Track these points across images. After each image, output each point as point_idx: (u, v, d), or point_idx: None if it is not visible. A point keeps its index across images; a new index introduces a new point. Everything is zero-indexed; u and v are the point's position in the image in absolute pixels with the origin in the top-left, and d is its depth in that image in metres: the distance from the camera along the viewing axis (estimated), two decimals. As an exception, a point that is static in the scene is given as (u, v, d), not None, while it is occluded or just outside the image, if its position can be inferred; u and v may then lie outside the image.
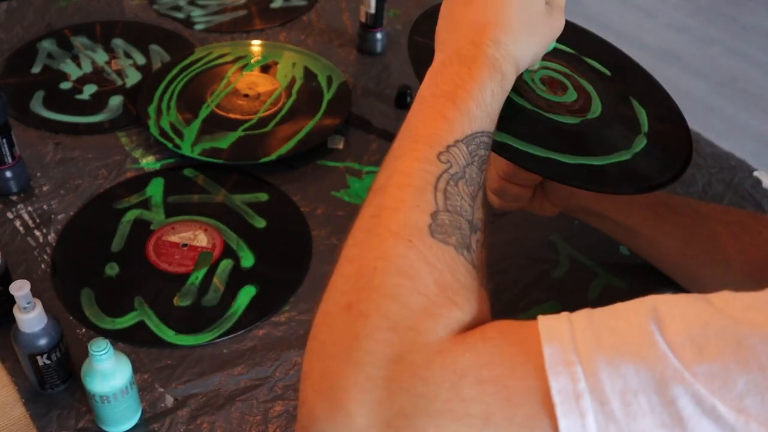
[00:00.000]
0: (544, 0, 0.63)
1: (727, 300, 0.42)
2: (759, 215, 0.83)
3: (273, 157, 1.00)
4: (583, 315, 0.45)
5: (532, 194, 0.84)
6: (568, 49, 0.80)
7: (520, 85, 0.70)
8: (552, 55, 0.75)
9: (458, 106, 0.55)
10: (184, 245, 0.89)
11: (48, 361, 0.72)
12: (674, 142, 0.75)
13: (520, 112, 0.68)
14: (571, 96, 0.73)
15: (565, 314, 0.45)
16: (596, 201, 0.83)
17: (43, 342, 0.71)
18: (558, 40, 0.73)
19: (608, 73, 0.80)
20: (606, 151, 0.70)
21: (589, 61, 0.80)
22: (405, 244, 0.48)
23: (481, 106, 0.55)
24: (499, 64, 0.58)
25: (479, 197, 0.53)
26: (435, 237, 0.48)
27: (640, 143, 0.72)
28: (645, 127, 0.74)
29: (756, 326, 0.40)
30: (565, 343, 0.42)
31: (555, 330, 0.43)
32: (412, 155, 0.52)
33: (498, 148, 0.65)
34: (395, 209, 0.50)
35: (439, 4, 0.66)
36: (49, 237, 0.90)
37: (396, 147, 0.54)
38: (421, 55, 0.68)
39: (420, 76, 0.61)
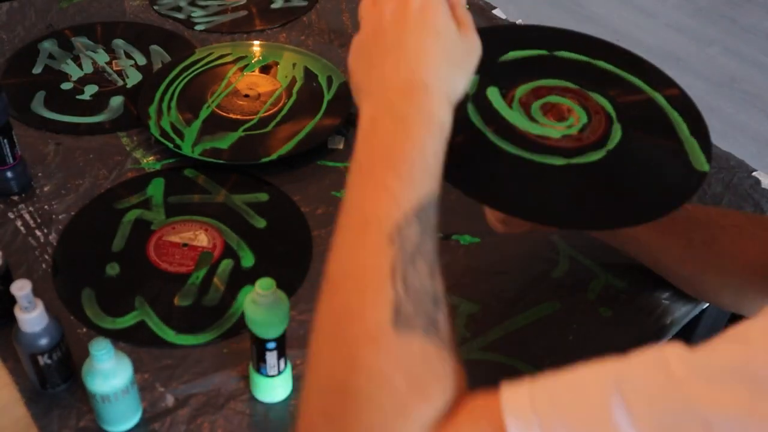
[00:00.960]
0: (454, 24, 0.60)
1: (689, 365, 0.42)
2: (756, 217, 0.83)
3: (273, 157, 1.01)
4: (545, 389, 0.45)
5: None
6: (574, 56, 0.76)
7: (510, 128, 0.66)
8: (553, 70, 0.72)
9: (400, 173, 0.52)
10: (185, 245, 0.89)
11: (49, 361, 0.72)
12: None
13: (534, 169, 0.64)
14: (581, 119, 0.68)
15: (527, 387, 0.46)
16: None
17: (44, 342, 0.71)
18: (564, 48, 0.71)
19: (623, 73, 0.75)
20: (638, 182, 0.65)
21: (599, 63, 0.75)
22: (371, 348, 0.48)
23: (425, 169, 0.53)
24: (435, 116, 0.55)
25: (437, 266, 0.51)
26: (400, 330, 0.48)
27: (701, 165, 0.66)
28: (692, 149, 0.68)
29: (721, 407, 0.40)
30: (529, 420, 0.43)
31: (517, 409, 0.44)
32: (363, 245, 0.51)
33: (522, 212, 0.63)
34: (356, 313, 0.49)
35: None
36: (50, 237, 0.90)
37: (345, 227, 0.53)
38: None
39: None
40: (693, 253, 0.81)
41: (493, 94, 0.70)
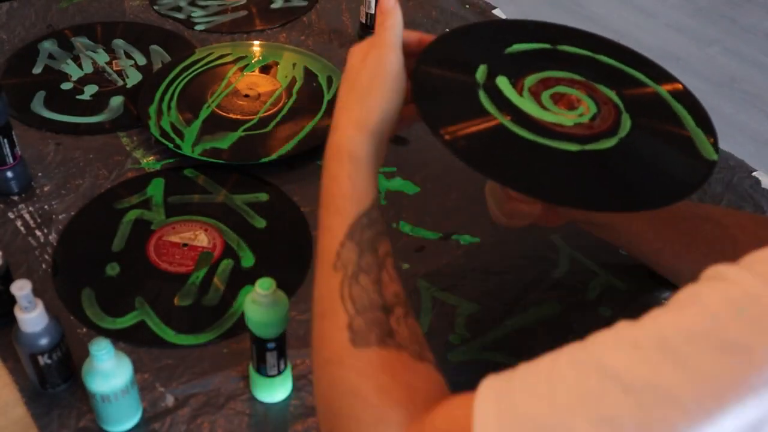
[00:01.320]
0: (354, 62, 0.66)
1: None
2: (757, 217, 0.83)
3: (273, 157, 1.01)
4: (512, 394, 0.48)
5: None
6: (577, 50, 0.77)
7: (526, 114, 0.68)
8: (560, 61, 0.74)
9: (327, 208, 0.61)
10: (185, 245, 0.90)
11: (49, 361, 0.72)
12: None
13: (550, 155, 0.65)
14: (591, 108, 0.69)
15: (494, 396, 0.48)
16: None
17: (44, 342, 0.71)
18: (564, 43, 0.73)
19: (626, 68, 0.76)
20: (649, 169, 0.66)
21: (602, 58, 0.76)
22: (339, 368, 0.54)
23: (346, 196, 0.60)
24: (342, 147, 0.63)
25: (384, 274, 0.57)
26: (358, 346, 0.54)
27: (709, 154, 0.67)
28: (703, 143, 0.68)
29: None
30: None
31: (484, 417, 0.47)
32: (319, 279, 0.59)
33: (540, 192, 0.64)
34: (324, 338, 0.56)
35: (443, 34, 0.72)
36: (50, 237, 0.90)
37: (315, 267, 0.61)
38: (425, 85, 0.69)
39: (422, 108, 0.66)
40: (694, 253, 0.81)
41: (503, 83, 0.72)
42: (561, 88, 0.72)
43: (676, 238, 0.82)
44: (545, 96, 0.71)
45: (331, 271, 0.58)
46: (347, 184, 0.61)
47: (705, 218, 0.81)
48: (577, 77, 0.73)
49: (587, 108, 0.70)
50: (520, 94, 0.71)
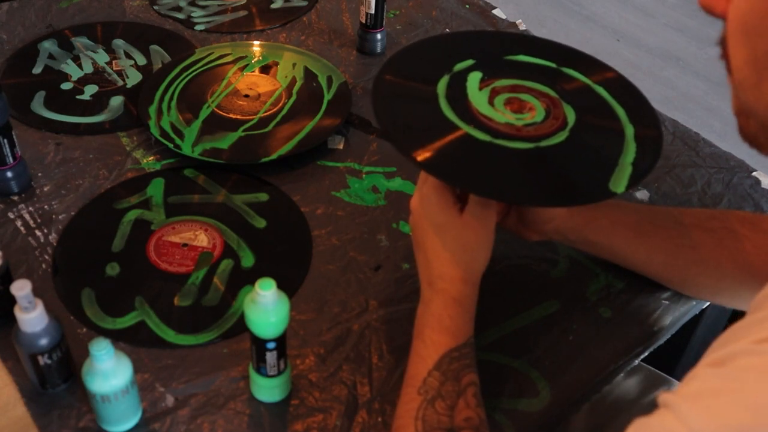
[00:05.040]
0: (451, 219, 0.71)
1: None
2: (746, 216, 0.82)
3: (273, 157, 1.01)
4: None
5: (504, 212, 0.84)
6: (546, 63, 0.82)
7: (482, 113, 0.74)
8: (526, 71, 0.79)
9: (425, 341, 0.69)
10: (185, 245, 0.90)
11: (49, 361, 0.72)
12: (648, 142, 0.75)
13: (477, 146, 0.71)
14: (539, 115, 0.75)
15: None
16: (573, 229, 0.82)
17: (44, 342, 0.71)
18: (534, 55, 0.79)
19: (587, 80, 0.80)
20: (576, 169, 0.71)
21: (567, 71, 0.81)
22: None
23: (442, 331, 0.69)
24: (449, 293, 0.71)
25: (461, 401, 0.65)
26: None
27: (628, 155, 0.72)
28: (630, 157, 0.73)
29: None
30: None
31: None
32: (402, 398, 0.68)
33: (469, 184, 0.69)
34: None
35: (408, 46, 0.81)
36: (50, 237, 0.90)
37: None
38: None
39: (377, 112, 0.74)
40: (681, 260, 0.81)
41: (473, 77, 0.79)
42: (524, 96, 0.77)
43: (661, 247, 0.82)
44: (502, 97, 0.76)
45: (414, 394, 0.67)
46: (447, 323, 0.70)
47: (691, 226, 0.81)
48: (550, 92, 0.78)
49: (533, 115, 0.75)
50: (480, 89, 0.77)
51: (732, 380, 0.45)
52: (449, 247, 0.72)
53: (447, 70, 0.79)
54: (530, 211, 0.81)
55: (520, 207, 0.82)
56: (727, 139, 2.31)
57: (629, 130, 0.75)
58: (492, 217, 0.73)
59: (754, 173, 1.06)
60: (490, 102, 0.75)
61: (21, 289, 0.67)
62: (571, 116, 0.75)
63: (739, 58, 0.52)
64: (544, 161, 0.71)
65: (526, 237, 0.84)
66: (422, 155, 0.70)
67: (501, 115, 0.74)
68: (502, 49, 0.83)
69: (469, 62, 0.80)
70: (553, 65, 0.81)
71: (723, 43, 0.54)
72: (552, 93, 0.78)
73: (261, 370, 0.72)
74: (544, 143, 0.72)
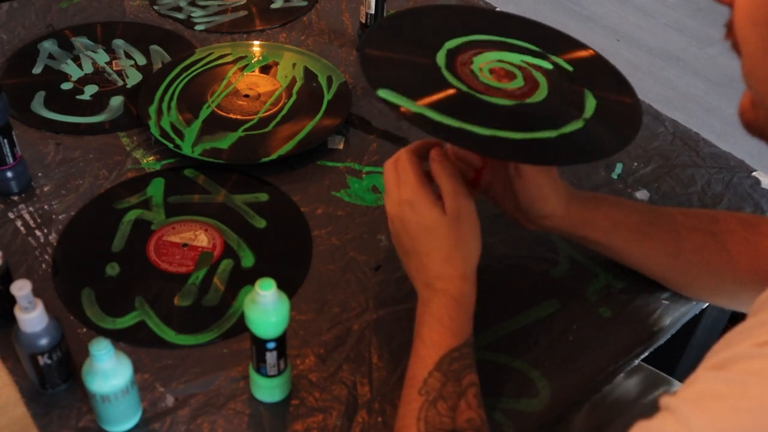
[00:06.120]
0: (439, 218, 0.72)
1: None
2: (746, 219, 0.82)
3: (273, 157, 1.01)
4: None
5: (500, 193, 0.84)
6: (533, 47, 0.84)
7: (464, 72, 0.77)
8: (514, 50, 0.82)
9: (425, 342, 0.70)
10: (185, 245, 0.90)
11: (49, 361, 0.72)
12: (621, 119, 0.78)
13: (459, 96, 0.74)
14: (517, 83, 0.77)
15: None
16: (573, 225, 0.82)
17: (44, 342, 0.71)
18: (523, 39, 0.82)
19: (570, 68, 0.82)
20: (537, 127, 0.74)
21: (553, 57, 0.83)
22: None
23: (442, 332, 0.69)
24: (449, 292, 0.71)
25: (462, 402, 0.66)
26: None
27: (576, 125, 0.75)
28: (589, 113, 0.77)
29: None
30: None
31: None
32: (403, 399, 0.68)
33: (436, 130, 0.70)
34: None
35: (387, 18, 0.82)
36: (50, 237, 0.90)
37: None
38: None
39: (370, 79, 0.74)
40: (683, 262, 0.81)
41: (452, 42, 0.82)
42: (506, 65, 0.80)
43: (662, 249, 0.82)
44: (482, 67, 0.79)
45: (415, 395, 0.67)
46: (448, 323, 0.70)
47: (691, 228, 0.81)
48: (529, 59, 0.82)
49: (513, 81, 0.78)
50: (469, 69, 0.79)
51: (733, 383, 0.45)
52: (443, 246, 0.72)
53: (440, 46, 0.81)
54: (523, 195, 0.80)
55: (516, 189, 0.81)
56: (727, 139, 2.31)
57: (590, 97, 0.79)
58: (472, 206, 0.74)
59: (754, 173, 1.06)
60: (480, 71, 0.79)
61: (21, 289, 0.67)
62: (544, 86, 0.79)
63: (749, 47, 0.52)
64: (525, 119, 0.74)
65: (523, 224, 0.84)
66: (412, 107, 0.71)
67: (487, 80, 0.77)
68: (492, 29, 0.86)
69: (463, 39, 0.82)
70: (537, 48, 0.84)
71: (730, 26, 0.54)
72: (530, 59, 0.82)
73: (261, 370, 0.72)
74: (528, 101, 0.75)
